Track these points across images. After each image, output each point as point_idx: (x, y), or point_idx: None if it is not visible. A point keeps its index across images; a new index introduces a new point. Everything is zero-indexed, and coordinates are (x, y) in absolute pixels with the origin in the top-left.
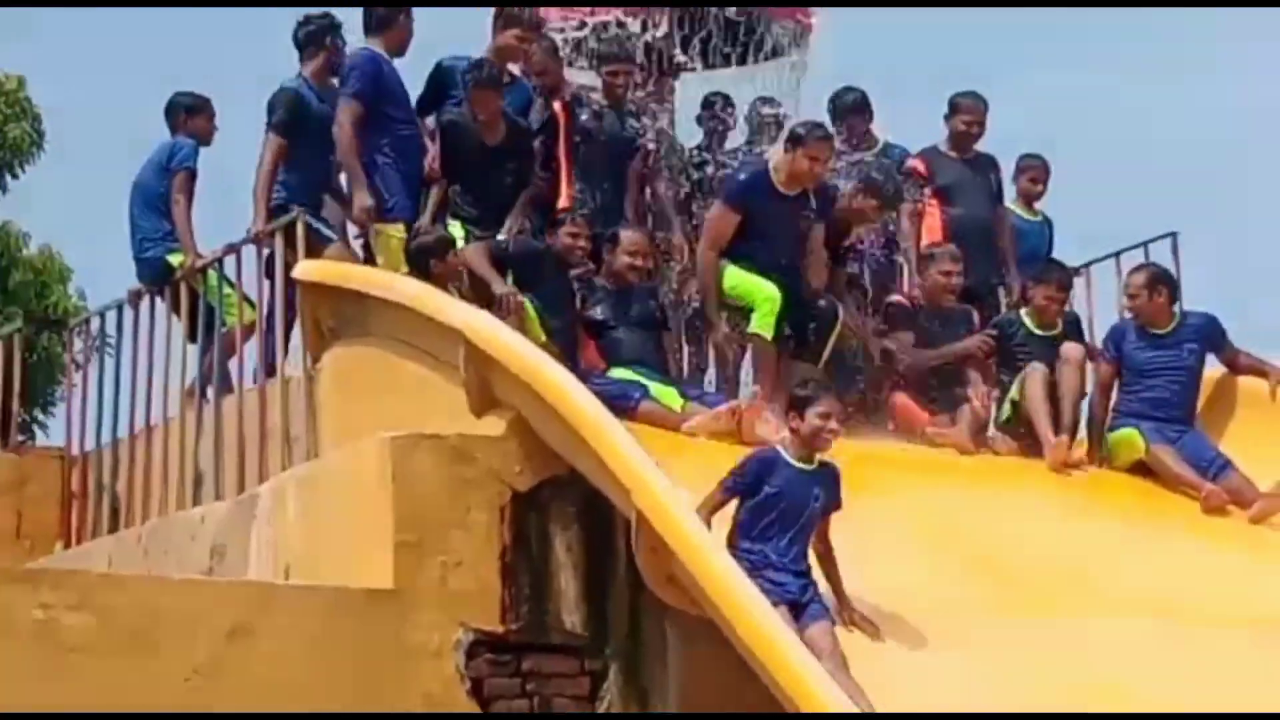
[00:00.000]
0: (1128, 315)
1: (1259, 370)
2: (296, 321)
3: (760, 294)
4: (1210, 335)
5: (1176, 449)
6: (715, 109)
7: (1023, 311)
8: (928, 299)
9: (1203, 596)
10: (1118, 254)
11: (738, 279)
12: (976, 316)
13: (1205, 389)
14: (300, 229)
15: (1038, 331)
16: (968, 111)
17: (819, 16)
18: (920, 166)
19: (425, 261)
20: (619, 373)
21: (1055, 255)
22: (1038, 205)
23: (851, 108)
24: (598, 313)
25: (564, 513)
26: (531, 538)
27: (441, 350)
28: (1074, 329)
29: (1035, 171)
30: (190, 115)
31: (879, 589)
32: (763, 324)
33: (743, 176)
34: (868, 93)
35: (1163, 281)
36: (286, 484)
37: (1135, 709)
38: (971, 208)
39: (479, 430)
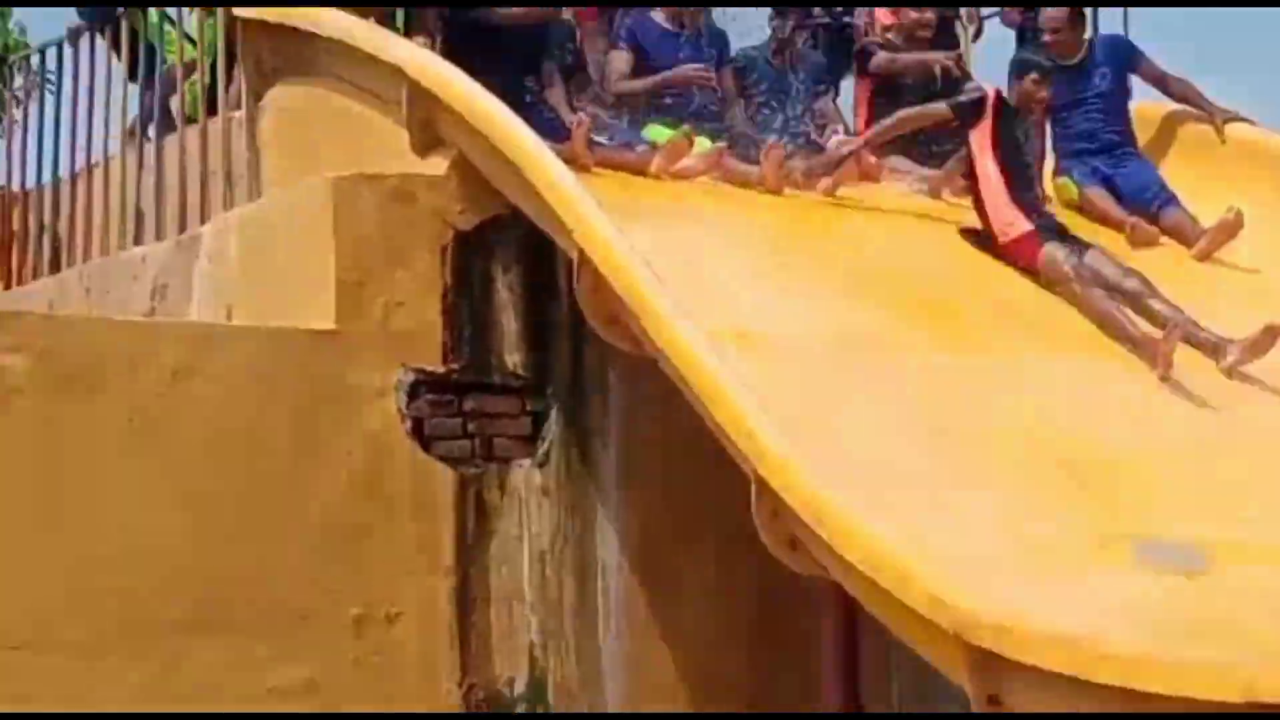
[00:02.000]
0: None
1: (1196, 98)
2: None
3: None
4: (1123, 56)
5: (1114, 184)
6: None
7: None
8: (905, 39)
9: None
10: None
11: None
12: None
13: (1152, 127)
14: None
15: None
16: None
17: None
18: None
19: None
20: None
21: None
22: None
23: None
24: None
25: (507, 253)
26: (474, 278)
27: (384, 89)
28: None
29: None
30: None
31: (825, 327)
32: None
33: None
34: None
35: (1082, 13)
36: (228, 224)
37: (1069, 443)
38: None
39: (421, 170)
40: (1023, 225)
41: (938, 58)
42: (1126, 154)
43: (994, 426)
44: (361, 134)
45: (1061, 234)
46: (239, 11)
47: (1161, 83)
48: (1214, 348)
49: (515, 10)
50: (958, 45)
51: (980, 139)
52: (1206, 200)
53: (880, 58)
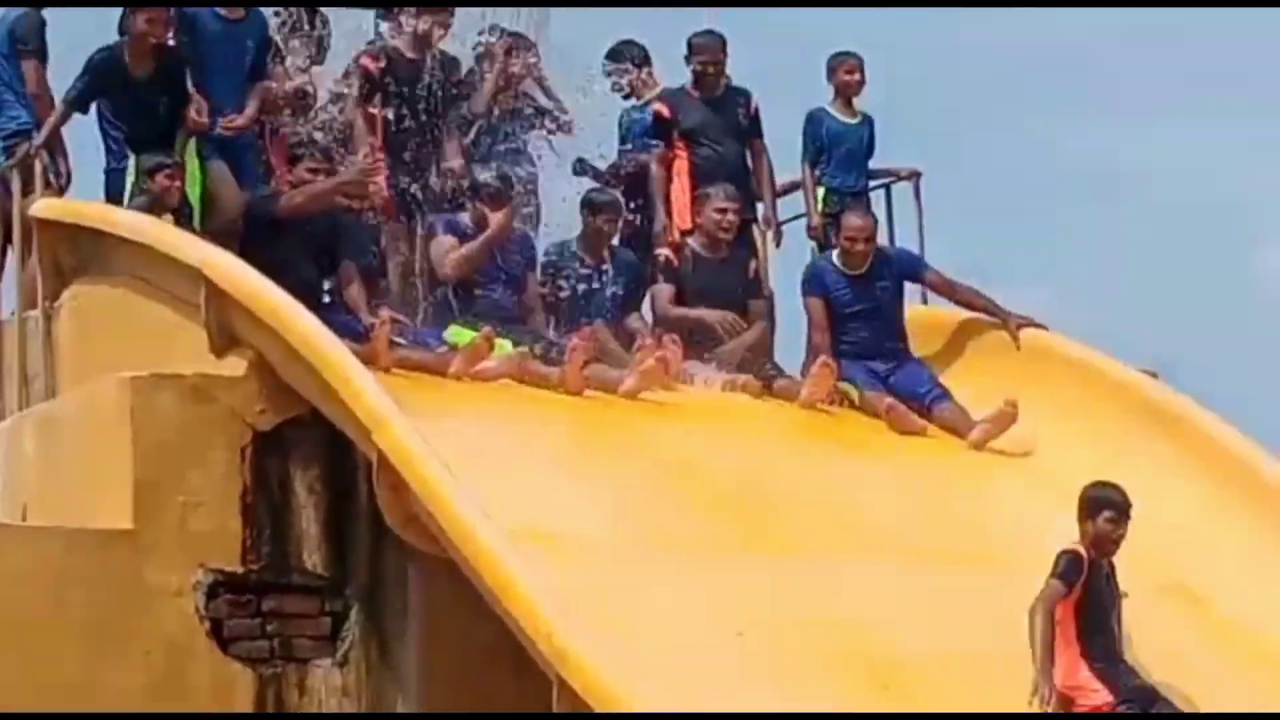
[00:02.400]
0: (832, 256)
1: (981, 305)
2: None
3: None
4: (907, 269)
5: (890, 386)
6: None
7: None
8: (706, 243)
9: (936, 533)
10: (866, 191)
11: None
12: (754, 267)
13: (927, 327)
14: (38, 166)
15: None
16: (702, 51)
17: None
18: (664, 110)
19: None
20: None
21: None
22: (857, 102)
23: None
24: None
25: (306, 453)
26: (273, 478)
27: (182, 288)
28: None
29: (849, 64)
30: None
31: (627, 528)
32: None
33: None
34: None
35: (876, 226)
36: (24, 423)
37: (870, 646)
38: (719, 147)
39: (220, 370)
40: None
41: (718, 318)
42: (903, 358)
43: (799, 626)
44: (160, 334)
45: None
46: (35, 210)
47: (949, 291)
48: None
49: (297, 200)
50: (756, 252)
51: None
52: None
53: (656, 298)
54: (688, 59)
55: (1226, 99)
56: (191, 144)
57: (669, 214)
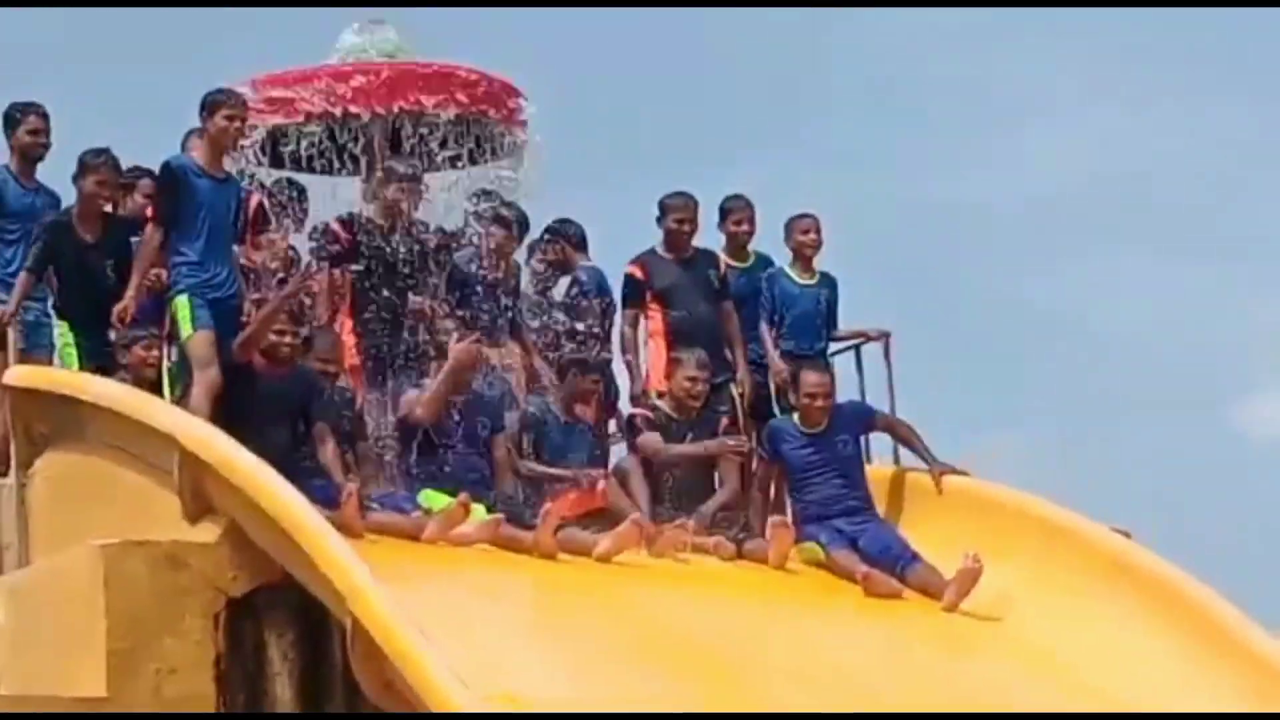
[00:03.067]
0: (791, 416)
1: (912, 443)
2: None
3: None
4: (859, 419)
5: (861, 546)
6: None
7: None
8: (675, 407)
9: (921, 694)
10: (832, 353)
11: None
12: (724, 422)
13: (881, 484)
14: (11, 335)
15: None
16: (677, 210)
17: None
18: (637, 272)
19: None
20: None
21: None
22: (817, 262)
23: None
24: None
25: (280, 619)
26: (247, 644)
27: (155, 455)
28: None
29: (805, 224)
30: None
31: (600, 692)
32: None
33: None
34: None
35: (834, 382)
36: None
37: None
38: (692, 307)
39: (193, 536)
40: None
41: (717, 445)
42: (867, 517)
43: None
44: (132, 500)
45: None
46: (8, 378)
47: (890, 428)
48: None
49: (251, 331)
50: (734, 409)
51: None
52: (930, 544)
53: (646, 443)
54: (659, 219)
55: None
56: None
57: (639, 375)
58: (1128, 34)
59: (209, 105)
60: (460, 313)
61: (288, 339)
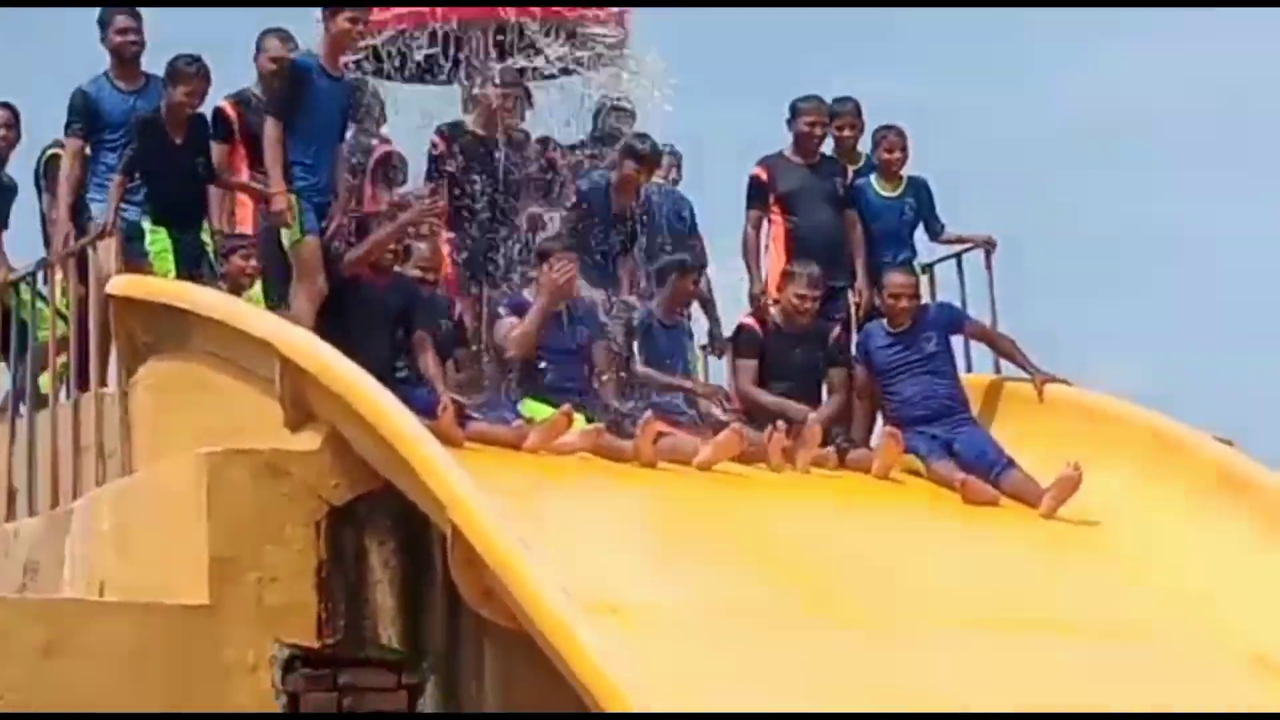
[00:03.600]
0: (881, 320)
1: (1017, 358)
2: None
3: None
4: (947, 320)
5: (956, 450)
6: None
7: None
8: (784, 319)
9: (1014, 602)
10: (932, 264)
11: None
12: (835, 335)
13: (979, 391)
14: (113, 245)
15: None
16: (808, 114)
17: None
18: (762, 174)
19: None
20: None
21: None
22: (903, 173)
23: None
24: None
25: (380, 527)
26: (348, 553)
27: (256, 364)
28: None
29: (889, 140)
30: None
31: (700, 599)
32: None
33: None
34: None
35: (919, 283)
36: (100, 499)
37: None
38: (814, 214)
39: (294, 445)
40: None
41: (798, 411)
42: (961, 420)
43: (873, 698)
44: (235, 409)
45: None
46: (111, 288)
47: (987, 339)
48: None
49: (362, 250)
50: (849, 319)
51: None
52: (1031, 453)
53: (744, 384)
54: (790, 122)
55: None
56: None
57: (758, 278)
58: None
59: (333, 4)
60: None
61: (390, 248)
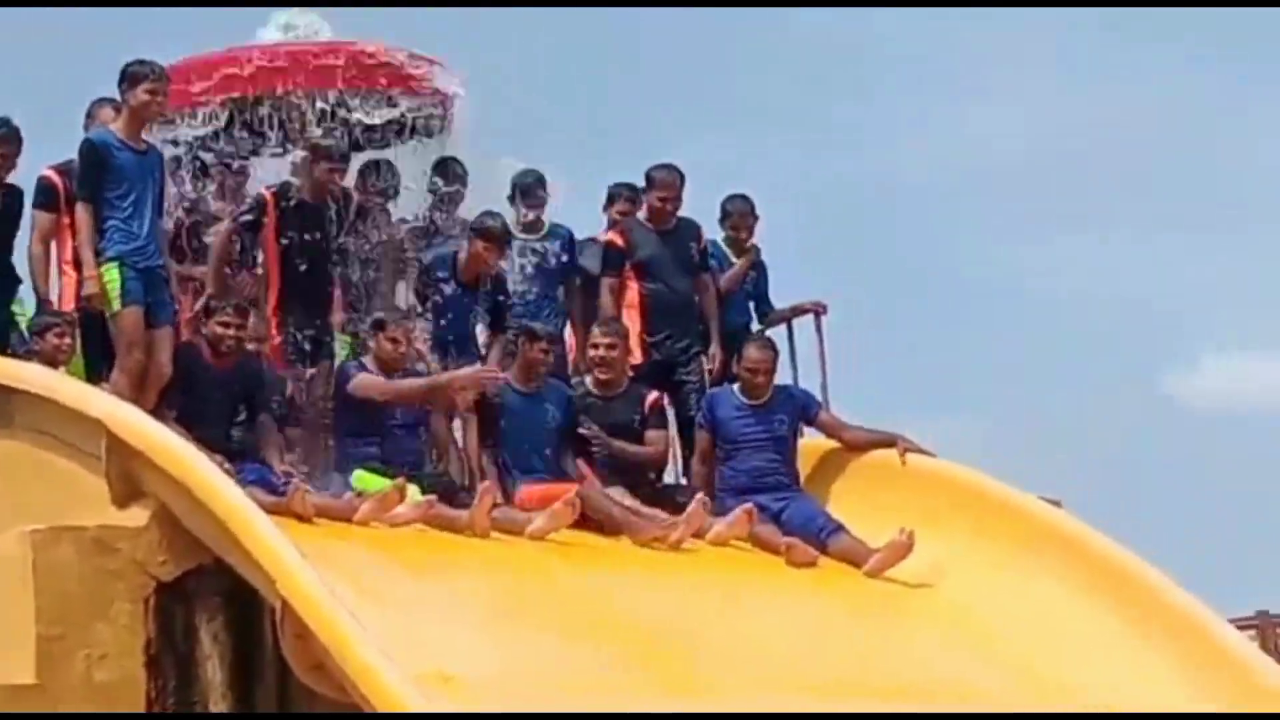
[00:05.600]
0: (731, 386)
1: (872, 442)
2: None
3: None
4: (802, 409)
5: (784, 519)
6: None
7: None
8: (594, 380)
9: (836, 665)
10: (764, 326)
11: None
12: (654, 397)
13: (815, 457)
14: None
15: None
16: (661, 186)
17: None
18: (618, 239)
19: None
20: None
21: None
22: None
23: (528, 189)
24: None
25: (210, 603)
26: (177, 629)
27: (84, 441)
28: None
29: (735, 218)
30: None
31: (528, 668)
32: None
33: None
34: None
35: (778, 358)
36: None
37: None
38: (669, 279)
39: (123, 521)
40: None
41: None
42: (791, 492)
43: None
44: (62, 486)
45: None
46: None
47: (838, 433)
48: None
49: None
50: (703, 381)
51: None
52: (887, 527)
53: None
54: (644, 191)
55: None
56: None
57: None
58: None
59: (130, 77)
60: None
61: (232, 331)
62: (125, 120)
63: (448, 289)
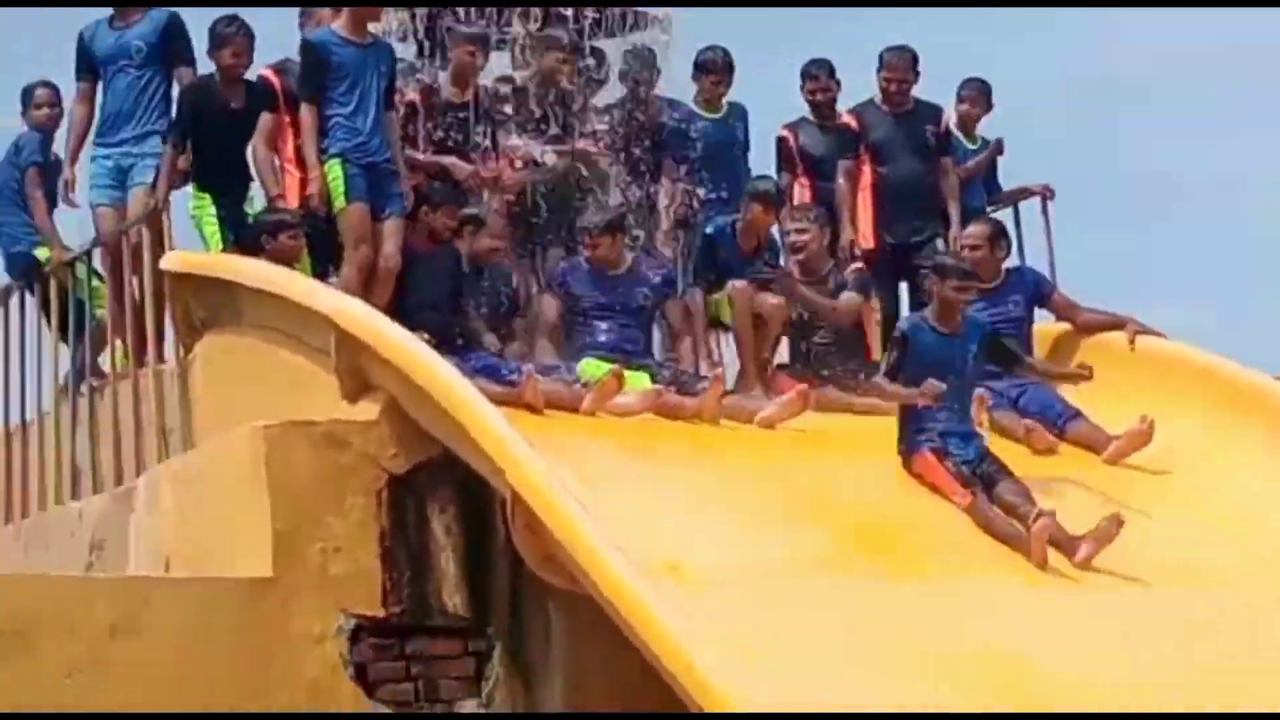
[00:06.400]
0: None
1: (1105, 324)
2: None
3: None
4: (1036, 288)
5: (1020, 405)
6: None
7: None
8: (798, 265)
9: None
10: (992, 208)
11: None
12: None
13: (1050, 343)
14: (165, 221)
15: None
16: (889, 68)
17: None
18: (852, 122)
19: (258, 239)
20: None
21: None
22: (979, 129)
23: (711, 67)
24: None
25: (441, 495)
26: (410, 521)
27: (313, 336)
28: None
29: (969, 96)
30: (28, 106)
31: (760, 556)
32: None
33: None
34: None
35: (1003, 235)
36: (162, 476)
37: (1010, 671)
38: (901, 163)
39: (353, 416)
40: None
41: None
42: (1027, 381)
43: (935, 651)
44: (292, 381)
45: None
46: (165, 264)
47: (1072, 315)
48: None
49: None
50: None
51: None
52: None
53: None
54: (878, 71)
55: None
56: (337, 164)
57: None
58: None
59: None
60: None
61: (448, 221)
62: (347, 17)
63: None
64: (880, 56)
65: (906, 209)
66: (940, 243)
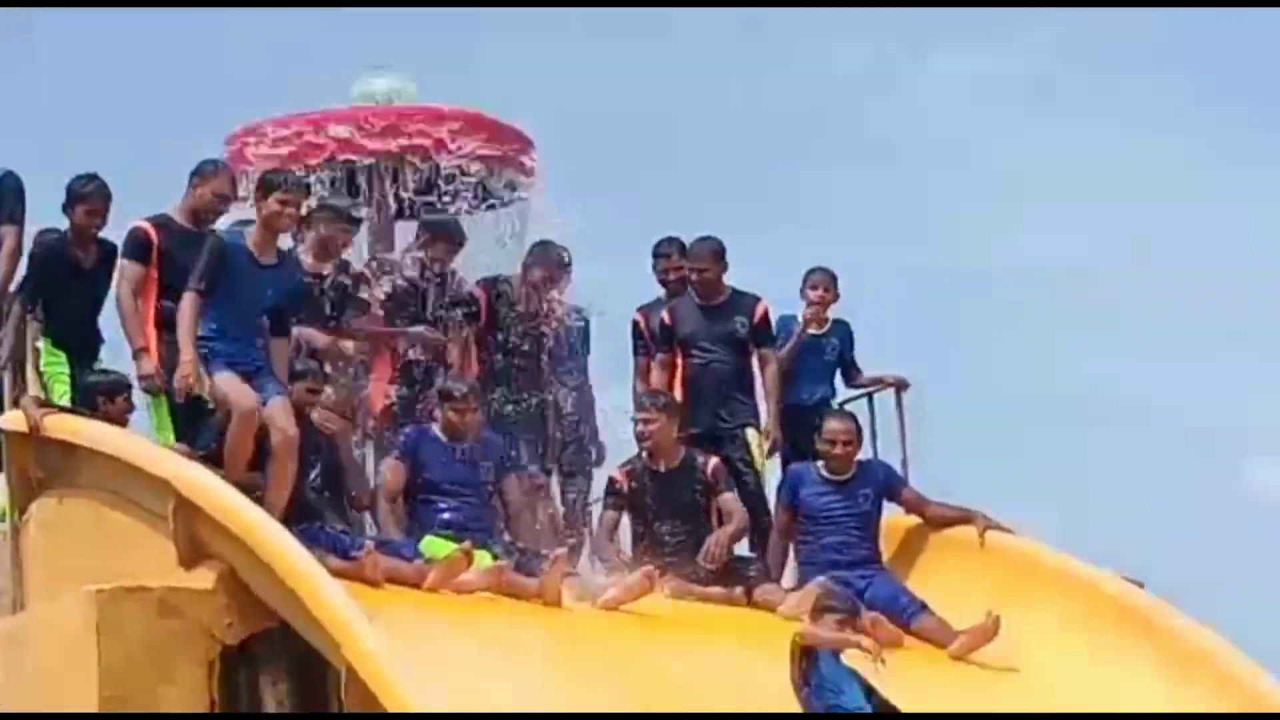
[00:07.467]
0: (814, 463)
1: (954, 519)
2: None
3: None
4: (885, 483)
5: (867, 597)
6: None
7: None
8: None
9: None
10: (843, 401)
11: None
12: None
13: (898, 534)
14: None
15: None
16: (695, 259)
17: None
18: (666, 317)
19: (94, 401)
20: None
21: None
22: (829, 315)
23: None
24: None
25: (275, 666)
26: (242, 692)
27: (151, 500)
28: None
29: (815, 281)
30: None
31: None
32: None
33: None
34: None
35: (860, 430)
36: None
37: None
38: (710, 355)
39: (188, 583)
40: None
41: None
42: (874, 570)
43: None
44: (127, 546)
45: None
46: (2, 422)
47: (920, 510)
48: None
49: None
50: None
51: None
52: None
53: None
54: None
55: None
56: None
57: None
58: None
59: (264, 185)
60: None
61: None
62: (256, 229)
63: None
64: (688, 248)
65: (710, 399)
66: (748, 432)
